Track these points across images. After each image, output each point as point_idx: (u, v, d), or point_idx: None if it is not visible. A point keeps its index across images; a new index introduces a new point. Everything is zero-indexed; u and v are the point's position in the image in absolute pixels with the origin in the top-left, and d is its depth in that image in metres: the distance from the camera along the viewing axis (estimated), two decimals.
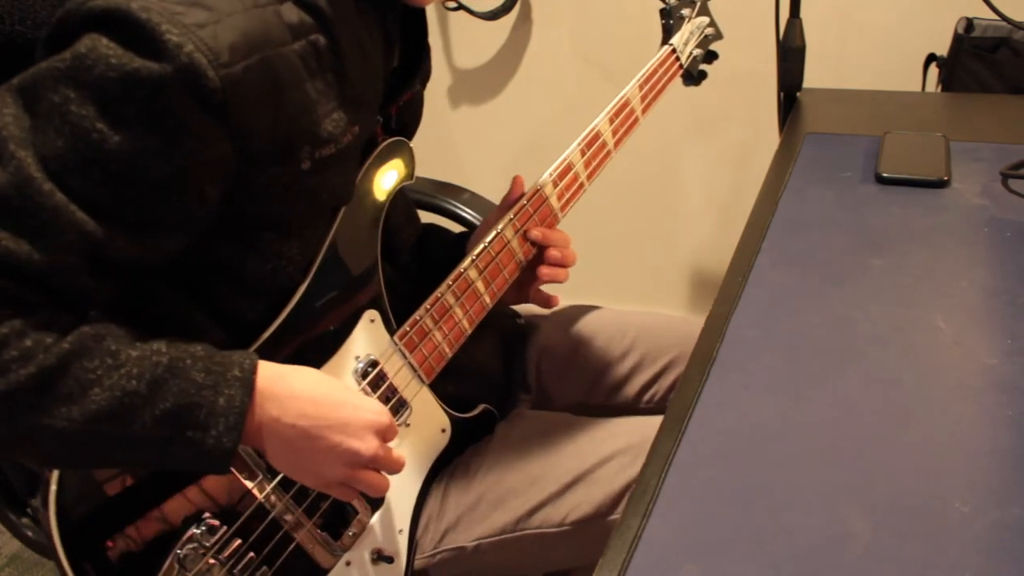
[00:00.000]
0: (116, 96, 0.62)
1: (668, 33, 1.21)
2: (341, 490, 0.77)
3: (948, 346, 0.79)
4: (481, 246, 0.93)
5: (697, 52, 1.24)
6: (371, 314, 0.85)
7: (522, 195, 0.96)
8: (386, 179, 0.87)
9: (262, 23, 0.68)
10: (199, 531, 0.75)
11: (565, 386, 1.10)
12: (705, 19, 1.26)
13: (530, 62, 2.05)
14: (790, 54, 1.37)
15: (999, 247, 0.94)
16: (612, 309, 1.16)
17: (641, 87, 1.10)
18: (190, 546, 0.74)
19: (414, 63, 0.91)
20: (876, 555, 0.59)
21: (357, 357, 0.84)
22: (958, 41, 1.50)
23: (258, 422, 0.70)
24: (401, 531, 0.89)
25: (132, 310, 0.71)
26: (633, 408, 1.09)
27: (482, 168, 2.20)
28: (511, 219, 0.95)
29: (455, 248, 1.03)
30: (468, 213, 1.25)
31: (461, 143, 2.19)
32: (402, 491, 0.90)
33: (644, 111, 1.11)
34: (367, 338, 0.85)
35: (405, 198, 0.99)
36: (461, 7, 1.96)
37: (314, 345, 0.81)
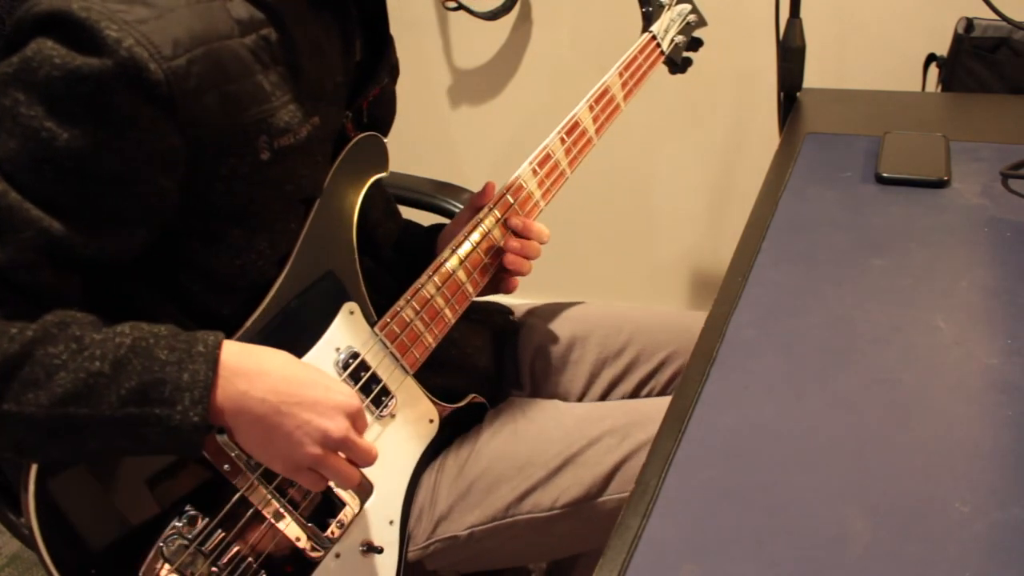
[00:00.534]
0: (61, 94, 0.65)
1: (648, 20, 1.21)
2: (310, 476, 0.75)
3: (948, 346, 0.79)
4: (461, 235, 0.94)
5: (679, 39, 1.24)
6: (350, 306, 0.86)
7: (493, 192, 0.97)
8: (360, 173, 0.88)
9: (207, 17, 0.70)
10: (181, 524, 0.75)
11: (561, 382, 1.10)
12: (687, 6, 1.25)
13: (530, 62, 2.05)
14: (790, 54, 1.37)
15: (999, 247, 0.94)
16: (607, 305, 1.16)
17: (621, 74, 1.11)
18: (173, 539, 0.75)
19: (378, 55, 0.92)
20: (876, 555, 0.59)
21: (337, 349, 0.85)
22: (958, 41, 1.51)
23: (225, 397, 0.70)
24: (392, 522, 0.89)
25: (106, 309, 0.72)
26: None
27: (482, 168, 2.20)
28: (491, 208, 0.96)
29: (427, 240, 1.04)
30: None
31: (461, 143, 2.19)
32: (391, 482, 0.90)
33: (626, 98, 1.11)
34: (347, 330, 0.85)
35: (383, 193, 1.00)
36: (461, 7, 1.96)
37: (292, 338, 0.81)
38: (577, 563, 1.30)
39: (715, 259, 2.14)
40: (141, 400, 0.67)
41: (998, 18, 1.19)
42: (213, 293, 0.79)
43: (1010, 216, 1.00)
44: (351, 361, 0.85)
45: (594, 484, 0.91)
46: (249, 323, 0.79)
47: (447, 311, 0.92)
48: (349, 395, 0.77)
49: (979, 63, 1.48)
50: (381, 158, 0.91)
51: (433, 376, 0.93)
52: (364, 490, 0.87)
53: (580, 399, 1.10)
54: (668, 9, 1.22)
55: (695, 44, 1.27)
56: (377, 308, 0.88)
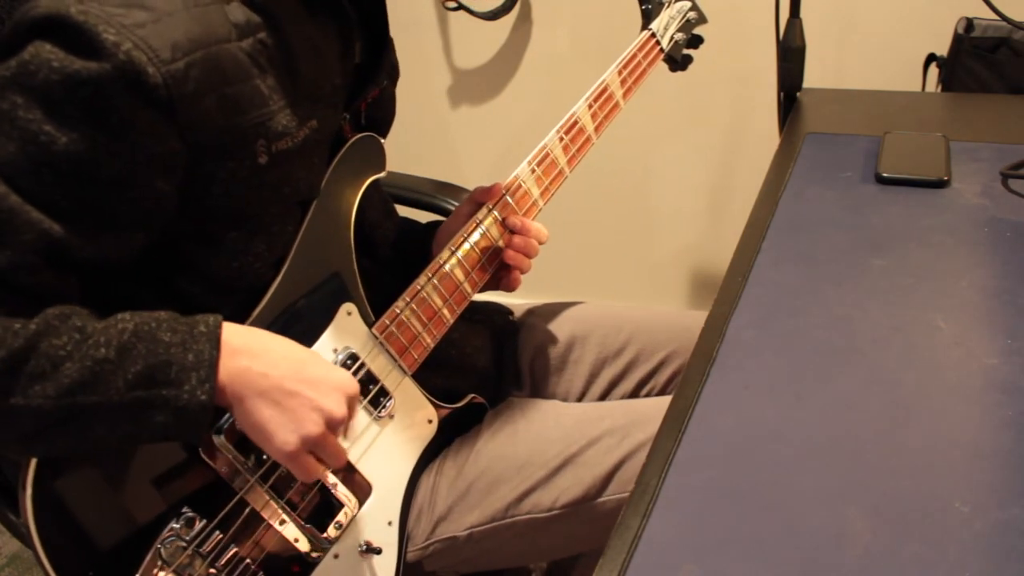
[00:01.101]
0: (60, 98, 0.65)
1: (647, 18, 1.21)
2: (304, 460, 0.75)
3: (948, 346, 0.79)
4: (459, 235, 0.94)
5: (679, 36, 1.23)
6: (348, 307, 0.86)
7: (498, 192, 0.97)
8: (357, 174, 0.88)
9: (204, 21, 0.70)
10: (179, 525, 0.75)
11: (561, 382, 1.10)
12: (686, 3, 1.25)
13: (530, 62, 2.05)
14: (790, 54, 1.37)
15: (999, 247, 0.94)
16: (607, 305, 1.16)
17: (620, 72, 1.11)
18: (171, 540, 0.75)
19: (378, 58, 0.92)
20: (876, 555, 0.59)
21: (335, 350, 0.85)
22: (958, 41, 1.51)
23: (228, 375, 0.71)
24: (391, 523, 0.89)
25: (104, 311, 0.72)
26: None
27: (482, 168, 2.20)
28: (489, 207, 0.96)
29: (424, 237, 1.04)
30: None
31: (461, 143, 2.19)
32: (390, 483, 0.90)
33: (625, 96, 1.11)
34: (345, 331, 0.85)
35: (381, 193, 1.00)
36: (461, 7, 1.96)
37: (292, 338, 0.80)
38: (577, 563, 1.30)
39: (715, 259, 2.14)
40: (148, 383, 0.67)
41: (998, 18, 1.19)
42: (211, 295, 0.79)
43: (1010, 216, 1.00)
44: (349, 362, 0.85)
45: (594, 484, 0.91)
46: (246, 324, 0.79)
47: (445, 311, 0.92)
48: (347, 377, 0.77)
49: (979, 63, 1.48)
50: (378, 159, 0.91)
51: (432, 377, 0.93)
52: (363, 491, 0.87)
53: (580, 399, 1.10)
54: (668, 7, 1.22)
55: (695, 41, 1.27)
56: (375, 308, 0.88)
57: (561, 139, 1.02)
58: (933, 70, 1.61)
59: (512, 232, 0.97)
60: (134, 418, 0.68)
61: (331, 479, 0.84)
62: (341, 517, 0.85)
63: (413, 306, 0.90)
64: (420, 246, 1.03)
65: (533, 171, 1.00)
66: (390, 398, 0.89)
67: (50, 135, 0.65)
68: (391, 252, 1.00)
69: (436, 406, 0.94)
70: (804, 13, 1.34)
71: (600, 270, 2.23)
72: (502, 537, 0.92)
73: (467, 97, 2.14)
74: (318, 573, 0.83)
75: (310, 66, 0.79)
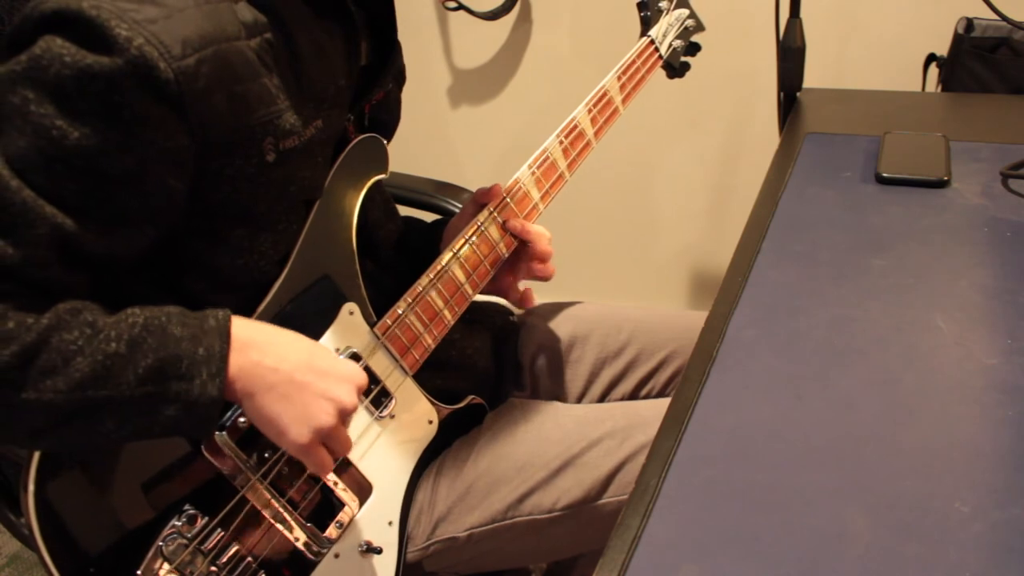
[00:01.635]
0: (72, 93, 0.65)
1: (646, 25, 1.22)
2: (317, 452, 0.74)
3: (948, 346, 0.79)
4: (461, 237, 0.94)
5: (678, 44, 1.24)
6: (350, 307, 0.86)
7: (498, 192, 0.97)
8: (360, 175, 0.88)
9: (215, 18, 0.71)
10: (181, 523, 0.75)
11: (561, 382, 1.10)
12: (685, 11, 1.26)
13: (530, 62, 2.05)
14: (790, 54, 1.37)
15: (999, 247, 0.94)
16: (607, 304, 1.16)
17: (619, 78, 1.11)
18: (173, 538, 0.75)
19: (385, 61, 0.92)
20: (876, 555, 0.59)
21: (337, 349, 0.85)
22: (958, 41, 1.51)
23: (238, 368, 0.71)
24: (391, 523, 0.89)
25: (110, 307, 0.72)
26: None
27: (482, 168, 2.20)
28: (491, 210, 0.96)
29: (430, 235, 1.04)
30: None
31: (461, 143, 2.19)
32: (390, 483, 0.90)
33: (625, 102, 1.12)
34: (346, 331, 0.85)
35: (384, 194, 1.00)
36: (461, 7, 1.96)
37: None
38: (577, 563, 1.30)
39: (715, 259, 2.14)
40: (159, 377, 0.68)
41: (998, 18, 1.19)
42: (215, 292, 0.79)
43: (1010, 216, 1.00)
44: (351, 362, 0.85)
45: (594, 486, 0.91)
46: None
47: (446, 312, 0.93)
48: (355, 368, 0.78)
49: (979, 63, 1.48)
50: (381, 160, 0.91)
51: (433, 377, 0.93)
52: (363, 491, 0.87)
53: (580, 398, 1.10)
54: (666, 14, 1.22)
55: (693, 49, 1.28)
56: (377, 309, 0.88)
57: (561, 143, 1.03)
58: (933, 70, 1.61)
59: (512, 235, 0.97)
60: (144, 412, 0.68)
61: (332, 478, 0.84)
62: (342, 517, 0.85)
63: (415, 307, 0.90)
64: (425, 245, 1.03)
65: (533, 174, 1.00)
66: (391, 398, 0.89)
67: (62, 130, 0.65)
68: (393, 252, 1.00)
69: (436, 407, 0.94)
70: (804, 13, 1.34)
71: (600, 270, 2.23)
72: (502, 538, 0.92)
73: (467, 97, 2.14)
74: (318, 572, 0.83)
75: (315, 67, 0.80)
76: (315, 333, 0.83)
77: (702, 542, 0.61)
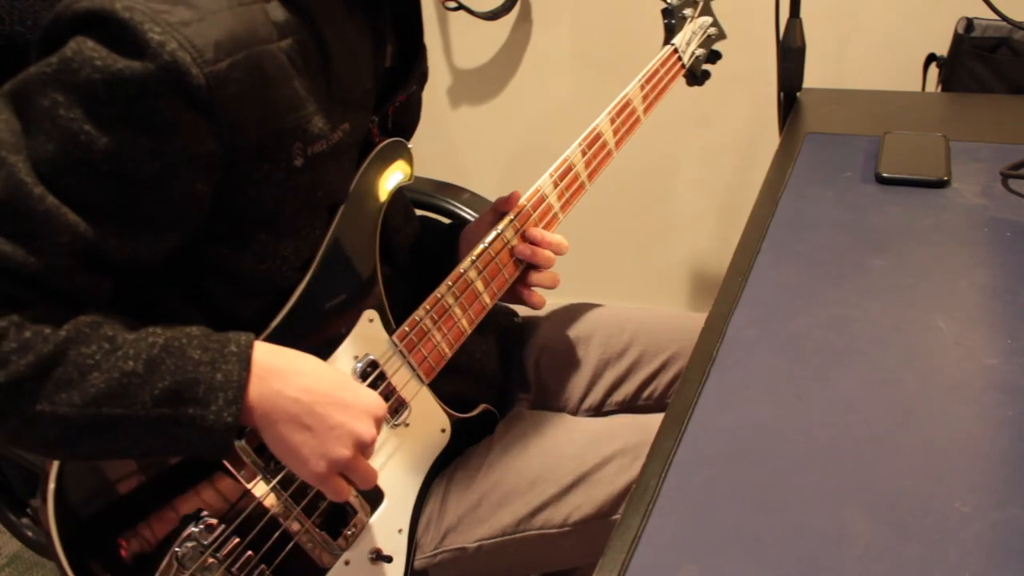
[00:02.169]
0: (102, 98, 0.63)
1: (670, 33, 1.21)
2: (335, 483, 0.75)
3: (948, 346, 0.79)
4: (481, 246, 0.93)
5: (700, 52, 1.24)
6: (370, 314, 0.85)
7: (518, 200, 0.96)
8: (385, 179, 0.87)
9: (248, 20, 0.69)
10: (197, 529, 0.75)
11: (564, 383, 1.10)
12: (708, 19, 1.26)
13: (530, 62, 2.05)
14: (790, 54, 1.37)
15: (999, 247, 0.94)
16: (610, 306, 1.16)
17: (642, 87, 1.11)
18: (188, 544, 0.74)
19: (410, 63, 0.91)
20: (876, 555, 0.59)
21: (356, 357, 0.84)
22: (958, 41, 1.51)
23: (258, 396, 0.70)
24: (400, 531, 0.89)
25: (129, 312, 0.71)
26: (632, 404, 1.09)
27: (482, 168, 2.20)
28: (512, 219, 0.95)
29: (447, 239, 1.04)
30: (468, 213, 1.25)
31: (461, 143, 2.19)
32: (401, 491, 0.89)
33: (646, 111, 1.11)
34: (366, 338, 0.85)
35: (404, 198, 0.99)
36: (461, 7, 1.96)
37: (312, 345, 0.80)
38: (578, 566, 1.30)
39: (715, 259, 2.14)
40: (174, 400, 0.67)
41: (998, 18, 1.19)
42: (236, 297, 0.78)
43: (1010, 216, 1.00)
44: (369, 370, 0.85)
45: (606, 503, 0.91)
46: (271, 328, 0.78)
47: (463, 321, 0.92)
48: (376, 399, 0.77)
49: (979, 63, 1.48)
50: (407, 165, 0.90)
51: (443, 383, 0.92)
52: (375, 499, 0.87)
53: (583, 399, 1.09)
54: (690, 21, 1.22)
55: (714, 57, 1.28)
56: (393, 314, 0.87)
57: (584, 152, 1.02)
58: (933, 70, 1.61)
59: (532, 244, 0.97)
60: (158, 433, 0.67)
61: None
62: (353, 524, 0.85)
63: (433, 315, 0.89)
64: (442, 249, 1.02)
65: (556, 184, 0.99)
66: (407, 407, 0.88)
67: (90, 135, 0.63)
68: (409, 257, 0.99)
69: (449, 415, 0.94)
70: (804, 13, 1.34)
71: (599, 270, 2.23)
72: (511, 550, 0.92)
73: (467, 97, 2.14)
74: None
75: (345, 68, 0.78)
76: (335, 340, 0.83)
77: (702, 542, 0.61)
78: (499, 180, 2.15)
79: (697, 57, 1.24)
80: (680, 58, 1.19)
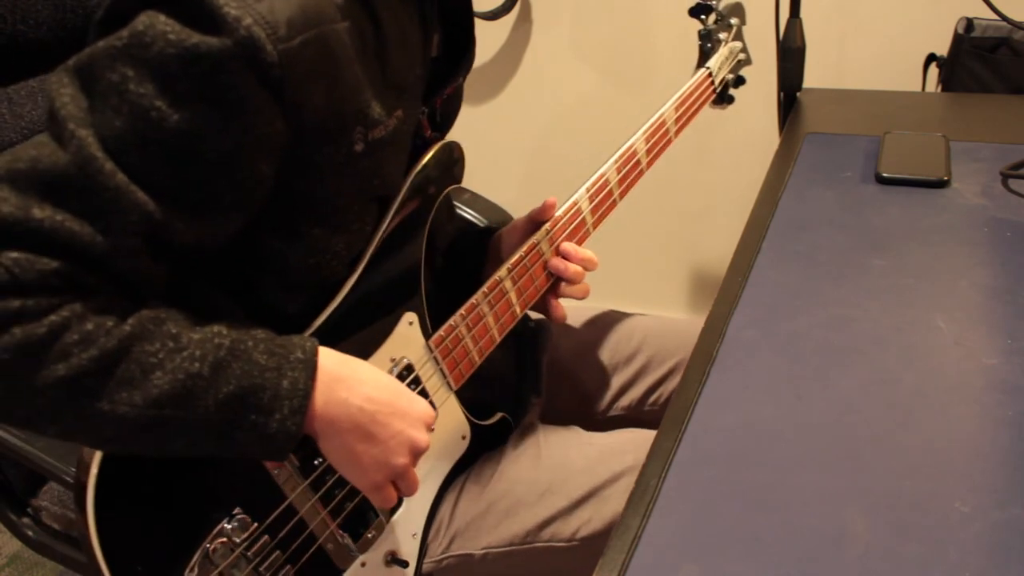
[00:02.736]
0: (175, 73, 0.61)
1: (705, 56, 1.22)
2: (388, 491, 0.75)
3: (948, 346, 0.79)
4: (517, 255, 0.92)
5: (729, 76, 1.25)
6: (410, 316, 0.84)
7: (554, 210, 0.96)
8: (436, 181, 0.86)
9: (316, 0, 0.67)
10: (230, 526, 0.74)
11: (572, 388, 1.10)
12: (739, 44, 1.26)
13: (530, 62, 2.05)
14: (790, 54, 1.37)
15: (999, 247, 0.94)
16: (619, 312, 1.16)
17: (677, 108, 1.11)
18: (220, 540, 0.73)
19: (457, 53, 0.90)
20: (876, 555, 0.59)
21: (393, 359, 0.83)
22: (958, 41, 1.51)
23: (323, 404, 0.69)
24: (415, 535, 0.89)
25: (173, 303, 0.69)
26: (639, 409, 1.09)
27: (482, 168, 2.19)
28: (548, 231, 0.95)
29: (480, 243, 1.03)
30: (468, 213, 1.25)
31: (461, 143, 2.19)
32: (420, 496, 0.89)
33: (677, 132, 1.12)
34: (404, 341, 0.84)
35: (449, 200, 0.97)
36: None
37: (355, 344, 0.80)
38: None
39: (715, 259, 2.14)
40: (238, 405, 0.65)
41: (998, 18, 1.20)
42: (282, 291, 0.77)
43: (1010, 216, 1.00)
44: (404, 373, 0.84)
45: (615, 519, 0.90)
46: (317, 324, 0.77)
47: (495, 330, 0.91)
48: (427, 406, 0.77)
49: (979, 63, 1.48)
50: (458, 168, 0.89)
51: (464, 389, 0.92)
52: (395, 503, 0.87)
53: (590, 404, 1.09)
54: (724, 45, 1.22)
55: (739, 81, 1.29)
56: (430, 317, 0.87)
57: (619, 170, 1.02)
58: (933, 70, 1.61)
59: (564, 257, 0.96)
60: (217, 438, 0.66)
61: None
62: (374, 527, 0.84)
63: (469, 322, 0.88)
64: (474, 255, 1.01)
65: (591, 199, 0.99)
66: (436, 413, 0.88)
67: (161, 111, 0.61)
68: (444, 261, 0.98)
69: (471, 422, 0.93)
70: (804, 13, 1.34)
71: (601, 273, 2.23)
72: (517, 560, 0.91)
73: (467, 97, 2.13)
74: None
75: (399, 53, 0.77)
76: (375, 340, 0.82)
77: (702, 542, 0.61)
78: (499, 180, 2.15)
79: (727, 82, 1.25)
80: (713, 82, 1.19)
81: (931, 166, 1.11)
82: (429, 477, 0.90)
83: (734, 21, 1.27)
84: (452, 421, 0.91)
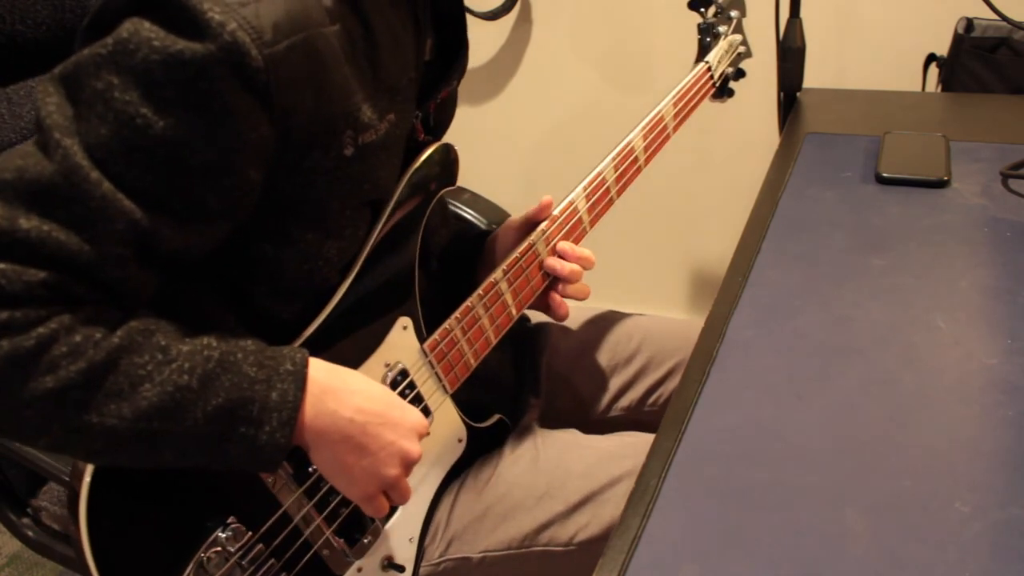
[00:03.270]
0: (160, 80, 0.61)
1: (704, 50, 1.21)
2: (379, 501, 0.75)
3: (948, 346, 0.79)
4: (513, 256, 0.91)
5: (729, 70, 1.24)
6: (404, 321, 0.84)
7: (550, 209, 0.96)
8: (429, 184, 0.86)
9: (303, 3, 0.67)
10: (224, 535, 0.73)
11: (571, 389, 1.09)
12: (739, 37, 1.26)
13: (530, 62, 2.05)
14: (790, 54, 1.37)
15: (999, 247, 0.94)
16: (618, 312, 1.16)
17: (676, 104, 1.10)
18: (214, 549, 0.73)
19: (450, 58, 0.90)
20: (876, 555, 0.59)
21: (387, 365, 0.83)
22: (958, 41, 1.51)
23: (312, 416, 0.69)
24: (411, 539, 0.89)
25: (165, 312, 0.69)
26: (638, 410, 1.09)
27: (482, 168, 2.19)
28: (544, 231, 0.94)
29: (475, 246, 1.02)
30: (468, 213, 1.25)
31: (461, 143, 2.18)
32: (416, 500, 0.89)
33: (676, 128, 1.11)
34: (398, 345, 0.84)
35: (443, 203, 0.97)
36: None
37: (349, 349, 0.80)
38: None
39: (715, 259, 2.14)
40: (227, 418, 0.65)
41: (998, 18, 1.20)
42: (275, 298, 0.76)
43: (1010, 216, 1.00)
44: (399, 378, 0.83)
45: (612, 524, 0.90)
46: (310, 332, 0.77)
47: (491, 333, 0.91)
48: (419, 416, 0.77)
49: (979, 63, 1.48)
50: (452, 170, 0.89)
51: (460, 391, 0.91)
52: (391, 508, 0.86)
53: (589, 405, 1.09)
54: (724, 39, 1.22)
55: (739, 74, 1.28)
56: (424, 321, 0.87)
57: (616, 168, 1.01)
58: (933, 70, 1.61)
59: (561, 257, 0.96)
60: (206, 449, 0.66)
61: None
62: (370, 533, 0.84)
63: (464, 325, 0.88)
64: (469, 258, 1.01)
65: (588, 198, 0.99)
66: (431, 417, 0.88)
67: (146, 118, 0.60)
68: (439, 264, 0.98)
69: (467, 425, 0.93)
70: (804, 13, 1.34)
71: (599, 270, 2.23)
72: (514, 564, 0.91)
73: (467, 97, 2.14)
74: None
75: (391, 56, 0.76)
76: (369, 346, 0.82)
77: (702, 542, 0.61)
78: (499, 180, 2.15)
79: (726, 75, 1.24)
80: (712, 76, 1.18)
81: (931, 166, 1.11)
82: (425, 481, 0.90)
83: (734, 14, 1.27)
84: (448, 424, 0.91)
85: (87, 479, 0.68)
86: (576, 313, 1.15)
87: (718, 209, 2.06)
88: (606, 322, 1.13)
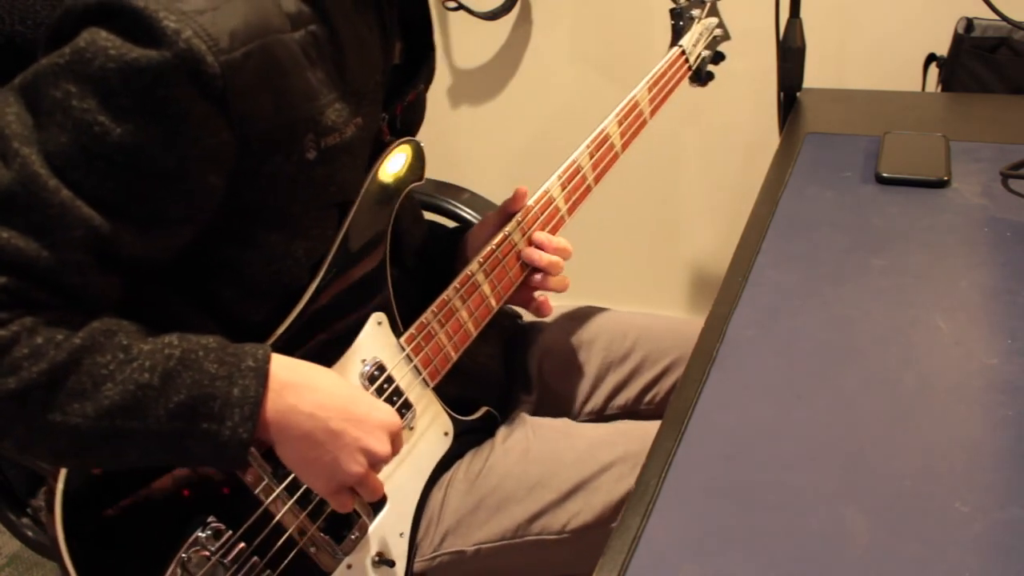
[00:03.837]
0: (116, 88, 0.62)
1: (678, 34, 1.21)
2: (344, 497, 0.75)
3: (948, 346, 0.79)
4: (488, 248, 0.92)
5: (705, 53, 1.24)
6: (378, 316, 0.85)
7: (525, 199, 0.96)
8: (397, 180, 0.86)
9: (261, 10, 0.68)
10: (204, 535, 0.74)
11: (566, 387, 1.09)
12: (714, 20, 1.26)
13: (530, 62, 2.05)
14: (790, 54, 1.37)
15: (999, 247, 0.94)
16: (614, 311, 1.16)
17: (650, 89, 1.10)
18: (194, 549, 0.73)
19: (418, 61, 0.91)
20: (876, 555, 0.59)
21: (363, 360, 0.84)
22: (958, 41, 1.51)
23: (273, 412, 0.70)
24: (402, 534, 0.89)
25: (135, 314, 0.70)
26: (633, 410, 1.09)
27: (482, 168, 2.20)
28: (520, 222, 0.95)
29: (452, 243, 1.03)
30: (468, 213, 1.25)
31: (461, 143, 2.19)
32: (404, 494, 0.89)
33: (652, 113, 1.11)
34: (374, 341, 0.84)
35: (413, 200, 0.98)
36: (461, 7, 1.96)
37: (322, 347, 0.80)
38: None
39: (715, 259, 2.14)
40: (189, 414, 0.66)
41: (998, 18, 1.19)
42: (245, 299, 0.77)
43: (1010, 216, 1.00)
44: (377, 373, 0.84)
45: (605, 511, 0.90)
46: (281, 331, 0.78)
47: (470, 325, 0.92)
48: (391, 413, 0.76)
49: (979, 63, 1.48)
50: (419, 165, 0.89)
51: (446, 386, 0.92)
52: (378, 503, 0.86)
53: (585, 403, 1.09)
54: (698, 22, 1.22)
55: (718, 58, 1.28)
56: (401, 316, 0.87)
57: (591, 155, 1.02)
58: (933, 70, 1.61)
59: (537, 247, 0.96)
60: (170, 447, 0.66)
61: None
62: (357, 529, 0.84)
63: (441, 318, 0.88)
64: (446, 252, 1.02)
65: (563, 186, 0.99)
66: (412, 411, 0.88)
67: (104, 126, 0.62)
68: (417, 259, 0.99)
69: (453, 418, 0.93)
70: (804, 13, 1.34)
71: (598, 271, 2.23)
72: (509, 555, 0.91)
73: (467, 97, 2.14)
74: None
75: (357, 60, 0.77)
76: (343, 342, 0.82)
77: (702, 542, 0.61)
78: (499, 180, 2.15)
79: (703, 58, 1.24)
80: (687, 60, 1.19)
81: (931, 166, 1.11)
82: (413, 476, 0.90)
83: None
84: (432, 418, 0.91)
85: (62, 477, 0.69)
86: (571, 311, 1.15)
87: (718, 209, 2.06)
88: (601, 320, 1.13)
